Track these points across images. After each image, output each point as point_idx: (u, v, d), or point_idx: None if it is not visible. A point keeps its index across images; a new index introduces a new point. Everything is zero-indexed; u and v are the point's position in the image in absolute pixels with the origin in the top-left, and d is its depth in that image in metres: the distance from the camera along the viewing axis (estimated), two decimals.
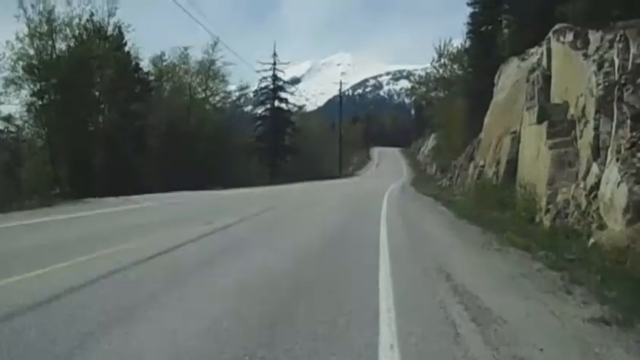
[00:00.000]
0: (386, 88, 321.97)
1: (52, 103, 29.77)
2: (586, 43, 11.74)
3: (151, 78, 38.03)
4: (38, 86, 29.80)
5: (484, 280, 6.02)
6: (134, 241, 8.38)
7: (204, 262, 6.96)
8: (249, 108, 59.42)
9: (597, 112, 8.76)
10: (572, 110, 11.30)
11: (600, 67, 9.53)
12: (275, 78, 56.03)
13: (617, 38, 9.30)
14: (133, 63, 33.52)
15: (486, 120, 20.72)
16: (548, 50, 14.50)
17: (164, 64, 40.55)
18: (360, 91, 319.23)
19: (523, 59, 18.34)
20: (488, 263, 7.11)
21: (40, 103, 29.98)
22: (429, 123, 57.06)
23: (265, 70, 56.16)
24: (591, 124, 8.82)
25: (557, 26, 14.12)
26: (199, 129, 38.65)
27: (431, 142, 59.40)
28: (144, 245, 7.96)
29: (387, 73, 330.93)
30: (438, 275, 6.09)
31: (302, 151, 55.84)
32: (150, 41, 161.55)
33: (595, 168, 8.44)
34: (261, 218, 12.97)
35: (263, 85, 56.58)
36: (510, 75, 18.82)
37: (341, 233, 10.00)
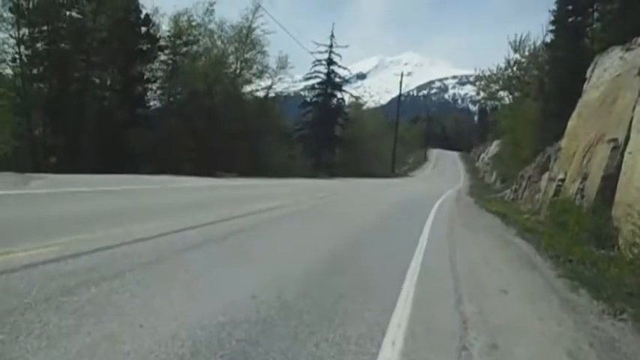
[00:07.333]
0: (451, 91, 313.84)
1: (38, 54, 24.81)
2: None
3: (178, 42, 32.05)
4: (25, 32, 24.32)
5: None
6: None
7: None
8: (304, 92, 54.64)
9: None
10: None
11: None
12: (330, 62, 51.65)
13: None
14: (143, 14, 27.81)
15: (570, 124, 16.73)
16: None
17: (192, 23, 33.65)
18: (424, 92, 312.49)
19: (628, 49, 14.37)
20: None
21: (27, 52, 24.97)
22: (492, 129, 52.85)
23: (320, 53, 51.72)
24: None
25: None
26: (226, 107, 32.45)
27: (493, 148, 54.75)
28: None
29: (454, 77, 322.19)
30: None
31: (353, 145, 51.71)
32: None
33: None
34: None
35: (316, 68, 51.88)
36: (610, 68, 14.82)
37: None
